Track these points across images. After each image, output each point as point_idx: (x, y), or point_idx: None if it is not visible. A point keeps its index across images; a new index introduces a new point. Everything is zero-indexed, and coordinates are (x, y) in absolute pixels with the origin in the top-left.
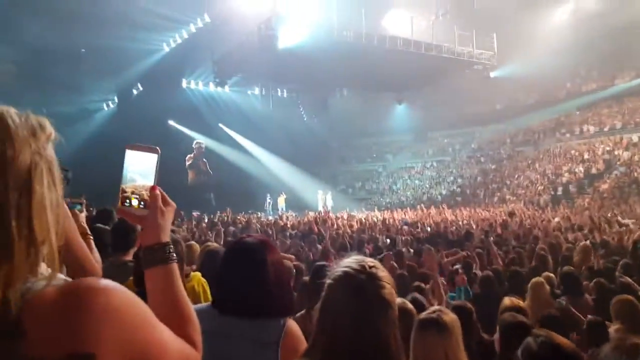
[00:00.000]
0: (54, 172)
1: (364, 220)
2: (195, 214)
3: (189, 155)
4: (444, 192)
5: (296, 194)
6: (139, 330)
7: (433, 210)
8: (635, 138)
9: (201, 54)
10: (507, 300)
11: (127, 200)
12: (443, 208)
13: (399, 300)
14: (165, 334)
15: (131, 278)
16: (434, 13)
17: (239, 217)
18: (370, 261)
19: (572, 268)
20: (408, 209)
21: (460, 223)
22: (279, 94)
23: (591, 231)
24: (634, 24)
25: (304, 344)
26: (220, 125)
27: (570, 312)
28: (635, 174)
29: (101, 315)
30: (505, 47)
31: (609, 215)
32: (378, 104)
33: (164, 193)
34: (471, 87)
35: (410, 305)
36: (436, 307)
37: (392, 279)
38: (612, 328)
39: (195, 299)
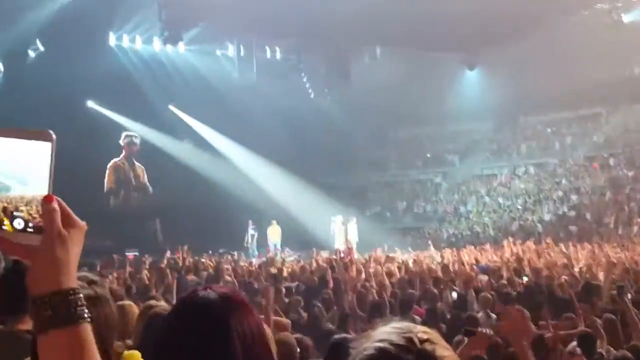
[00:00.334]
0: None
1: (411, 265)
2: (130, 255)
3: (113, 161)
4: (547, 216)
5: (298, 221)
6: None
7: (530, 248)
8: None
9: None
10: None
11: (2, 221)
12: (547, 244)
13: None
14: None
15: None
16: None
17: (203, 260)
18: (422, 332)
19: None
20: (487, 245)
21: (577, 270)
22: (268, 55)
23: None
24: None
25: None
26: (171, 107)
27: None
28: None
29: None
30: None
31: None
32: (434, 72)
33: (66, 207)
34: (590, 40)
35: None
36: None
37: None
38: None
39: None
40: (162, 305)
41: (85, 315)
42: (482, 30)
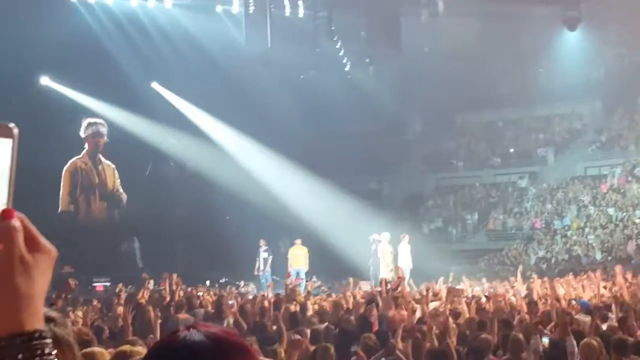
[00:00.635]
0: None
1: (483, 301)
2: (99, 285)
3: (72, 161)
4: None
5: (328, 241)
6: None
7: None
8: None
9: None
10: None
11: None
12: None
13: None
14: None
15: None
16: None
17: (199, 294)
18: None
19: None
20: (592, 274)
21: None
22: (287, 11)
23: None
24: None
25: None
26: (154, 85)
27: None
28: None
29: None
30: None
31: None
32: (519, 33)
33: (30, 225)
34: None
35: None
36: None
37: None
38: None
39: None
40: (139, 351)
41: None
42: None
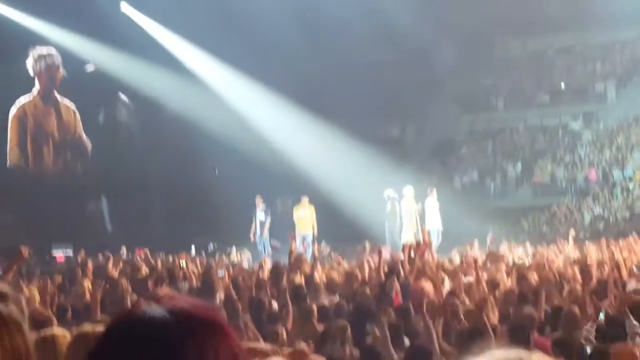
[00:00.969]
0: None
1: (525, 269)
2: (60, 255)
3: (19, 102)
4: None
5: (339, 199)
6: None
7: None
8: None
9: None
10: None
11: None
12: None
13: None
14: None
15: None
16: None
17: (182, 262)
18: None
19: None
20: None
21: None
22: None
23: None
24: None
25: None
26: (123, 5)
27: None
28: None
29: None
30: None
31: None
32: None
33: None
34: None
35: None
36: None
37: None
38: None
39: None
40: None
41: None
42: None
